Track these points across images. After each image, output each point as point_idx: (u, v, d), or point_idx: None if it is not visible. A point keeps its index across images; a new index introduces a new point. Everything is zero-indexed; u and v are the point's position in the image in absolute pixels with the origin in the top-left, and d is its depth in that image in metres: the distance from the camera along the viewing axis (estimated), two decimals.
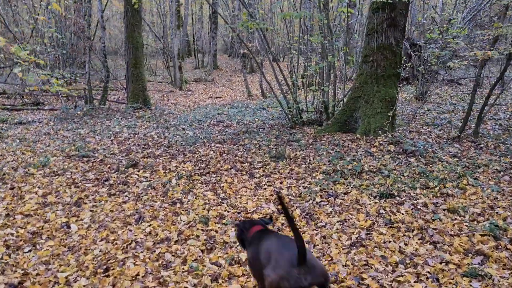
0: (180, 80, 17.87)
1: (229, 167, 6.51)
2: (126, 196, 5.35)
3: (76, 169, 6.52)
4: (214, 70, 25.25)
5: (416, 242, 3.86)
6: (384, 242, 3.89)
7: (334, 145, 7.31)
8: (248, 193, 5.41)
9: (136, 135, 8.99)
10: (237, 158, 7.02)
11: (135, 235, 4.13)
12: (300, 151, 7.22)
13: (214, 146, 7.95)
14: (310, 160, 6.70)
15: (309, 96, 10.81)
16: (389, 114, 7.43)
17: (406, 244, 3.85)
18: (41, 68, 13.74)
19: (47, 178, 6.05)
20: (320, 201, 5.02)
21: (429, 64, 11.12)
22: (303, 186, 5.60)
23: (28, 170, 6.34)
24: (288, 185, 5.66)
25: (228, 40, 35.00)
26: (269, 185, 5.70)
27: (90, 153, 7.34)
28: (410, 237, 3.97)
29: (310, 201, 5.02)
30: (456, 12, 12.56)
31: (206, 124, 10.26)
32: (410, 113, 9.85)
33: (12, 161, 6.86)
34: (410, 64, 11.99)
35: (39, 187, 5.62)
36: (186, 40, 33.77)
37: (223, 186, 5.63)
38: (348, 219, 4.48)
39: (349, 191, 5.32)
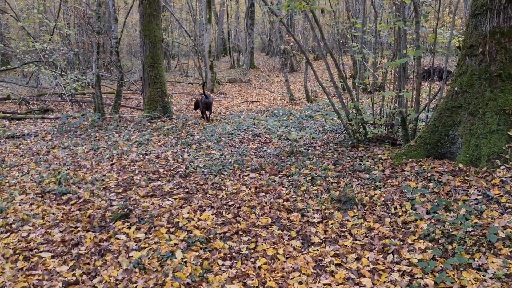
0: (211, 81, 15.70)
1: (270, 220, 4.20)
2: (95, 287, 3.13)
3: (43, 219, 4.39)
4: (251, 69, 23.01)
5: None
6: None
7: (426, 181, 4.85)
8: (305, 285, 3.07)
9: (147, 156, 6.82)
10: (281, 201, 4.69)
11: None
12: (375, 189, 4.81)
13: (248, 176, 5.66)
14: (396, 208, 4.29)
15: (366, 102, 8.33)
16: (510, 133, 4.90)
17: None
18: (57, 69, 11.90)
19: None
20: None
21: None
22: (399, 271, 3.20)
23: None
24: (373, 269, 3.27)
25: (266, 38, 32.69)
26: (337, 265, 3.34)
27: (72, 189, 5.21)
28: None
29: None
30: None
31: (238, 139, 7.97)
32: None
33: None
34: None
35: None
36: (222, 38, 31.77)
37: (260, 267, 3.32)
38: None
39: None
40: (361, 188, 4.87)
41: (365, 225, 3.99)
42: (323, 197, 4.69)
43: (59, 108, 12.18)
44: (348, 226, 3.99)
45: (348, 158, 6.08)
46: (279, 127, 8.80)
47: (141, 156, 6.87)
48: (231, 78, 20.00)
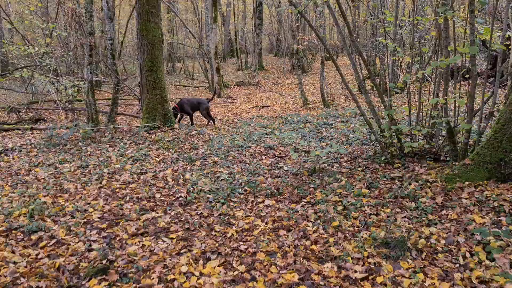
0: (218, 85, 14.65)
1: (296, 275, 3.12)
2: None
3: None
4: (259, 71, 21.94)
5: None
6: None
7: (495, 214, 3.76)
8: None
9: (142, 176, 5.79)
10: (308, 243, 3.62)
11: None
12: (428, 225, 3.73)
13: (263, 203, 4.60)
14: (465, 257, 3.20)
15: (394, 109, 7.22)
16: None
17: None
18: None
19: None
20: None
21: None
22: None
23: None
24: None
25: (274, 38, 31.58)
26: None
27: (46, 225, 4.19)
28: None
29: None
30: None
31: (249, 152, 6.92)
32: None
33: None
34: None
35: None
36: (229, 39, 30.75)
37: None
38: None
39: None
40: (409, 224, 3.78)
41: (428, 285, 2.90)
42: (362, 238, 3.61)
43: (53, 117, 11.21)
44: (404, 287, 2.91)
45: (385, 179, 4.98)
46: (295, 138, 7.72)
47: (135, 176, 5.84)
48: (239, 80, 18.96)
